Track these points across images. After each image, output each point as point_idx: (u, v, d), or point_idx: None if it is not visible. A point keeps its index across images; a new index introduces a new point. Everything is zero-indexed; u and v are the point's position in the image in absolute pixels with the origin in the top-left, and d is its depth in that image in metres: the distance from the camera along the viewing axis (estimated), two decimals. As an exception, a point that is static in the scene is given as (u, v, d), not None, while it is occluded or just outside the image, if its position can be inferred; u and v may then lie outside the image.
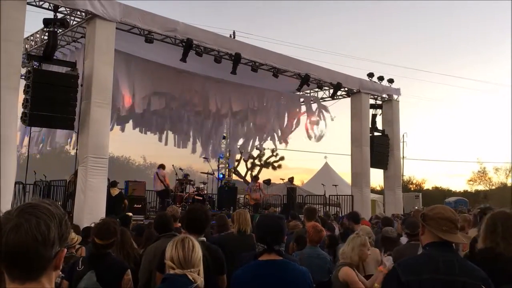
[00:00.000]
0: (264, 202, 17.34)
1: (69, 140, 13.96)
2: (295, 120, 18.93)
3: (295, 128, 19.08)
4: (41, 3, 10.27)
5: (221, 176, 20.05)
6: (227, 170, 23.29)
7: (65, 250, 1.45)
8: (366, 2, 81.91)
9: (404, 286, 2.40)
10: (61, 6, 10.33)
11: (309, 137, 18.61)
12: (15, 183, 10.88)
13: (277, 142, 20.00)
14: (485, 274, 2.44)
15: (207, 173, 16.91)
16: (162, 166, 15.25)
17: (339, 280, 4.08)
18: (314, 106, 18.54)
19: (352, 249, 4.26)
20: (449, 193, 44.01)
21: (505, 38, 79.08)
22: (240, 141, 20.30)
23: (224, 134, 20.68)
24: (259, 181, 17.41)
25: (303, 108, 18.92)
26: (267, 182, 17.78)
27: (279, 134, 19.31)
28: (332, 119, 18.10)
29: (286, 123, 19.03)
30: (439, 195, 40.53)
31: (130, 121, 17.06)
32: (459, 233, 2.56)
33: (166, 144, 18.74)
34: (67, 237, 1.45)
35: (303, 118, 18.75)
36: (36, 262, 1.36)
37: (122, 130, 17.27)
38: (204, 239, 3.93)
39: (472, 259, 3.06)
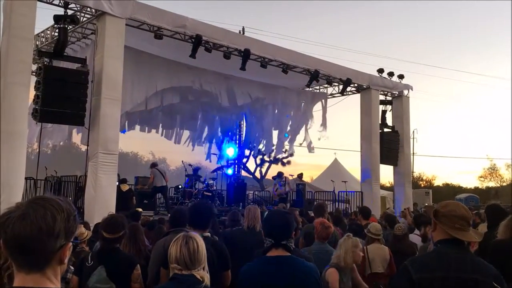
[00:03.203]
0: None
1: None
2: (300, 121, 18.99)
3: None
4: (51, -1, 10.33)
5: (230, 172, 20.07)
6: (236, 166, 23.29)
7: (70, 244, 1.46)
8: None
9: (415, 284, 2.37)
10: (71, 3, 10.39)
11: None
12: (26, 178, 10.99)
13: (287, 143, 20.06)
14: (497, 271, 2.41)
15: (217, 169, 16.94)
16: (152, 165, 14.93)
17: (325, 280, 4.08)
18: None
19: (346, 252, 4.25)
20: (459, 189, 43.73)
21: (517, 33, 78.03)
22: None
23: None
24: (284, 175, 17.07)
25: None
26: (279, 175, 17.67)
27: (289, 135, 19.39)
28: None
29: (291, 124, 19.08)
30: (449, 191, 40.30)
31: (139, 120, 17.00)
32: (471, 230, 2.53)
33: (178, 142, 18.80)
34: (73, 232, 1.46)
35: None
36: (39, 252, 1.38)
37: (133, 128, 17.27)
38: (209, 234, 3.94)
39: (483, 255, 3.03)
